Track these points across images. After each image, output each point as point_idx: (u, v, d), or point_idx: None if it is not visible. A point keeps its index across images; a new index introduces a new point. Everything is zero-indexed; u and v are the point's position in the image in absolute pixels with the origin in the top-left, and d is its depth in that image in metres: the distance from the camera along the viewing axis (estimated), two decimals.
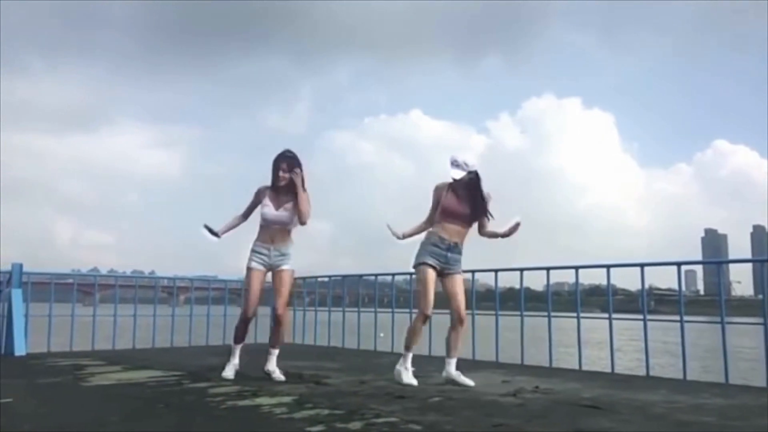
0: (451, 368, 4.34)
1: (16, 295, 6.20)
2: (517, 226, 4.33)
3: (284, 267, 4.46)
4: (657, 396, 3.88)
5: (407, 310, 6.97)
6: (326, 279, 8.31)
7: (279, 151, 4.49)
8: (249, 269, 4.47)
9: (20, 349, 6.01)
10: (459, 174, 4.32)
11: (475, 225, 4.44)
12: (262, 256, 4.47)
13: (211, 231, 4.53)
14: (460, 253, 4.38)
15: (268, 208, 4.45)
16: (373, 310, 7.39)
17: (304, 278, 8.75)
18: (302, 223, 4.45)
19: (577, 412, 3.28)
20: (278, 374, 4.42)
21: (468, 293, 6.69)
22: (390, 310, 7.28)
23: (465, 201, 4.37)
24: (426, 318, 4.39)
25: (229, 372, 4.41)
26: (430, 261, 4.31)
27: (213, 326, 7.85)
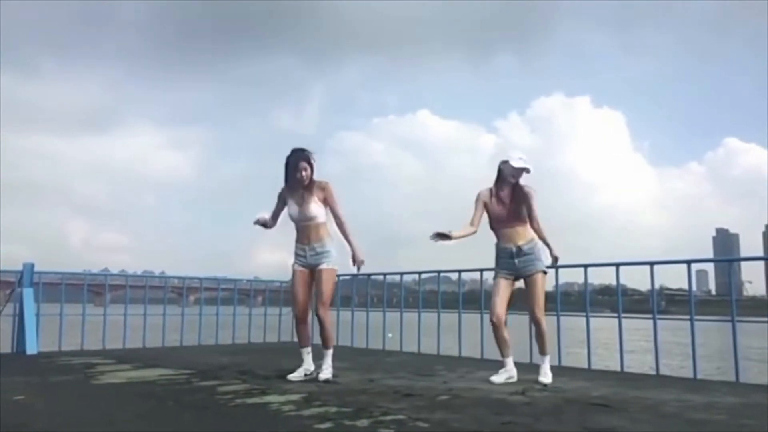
0: (542, 366, 4.37)
1: (28, 294, 6.26)
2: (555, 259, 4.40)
3: (322, 266, 4.33)
4: (668, 395, 3.85)
5: (416, 310, 6.98)
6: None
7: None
8: (293, 271, 4.43)
9: (32, 348, 6.06)
10: (525, 164, 4.33)
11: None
12: (301, 257, 4.39)
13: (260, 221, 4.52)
14: (528, 253, 4.31)
15: (292, 208, 4.37)
16: (381, 309, 7.40)
17: None
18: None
19: (586, 410, 3.26)
20: (324, 373, 4.27)
21: (477, 293, 6.72)
22: (399, 309, 7.28)
23: (508, 200, 4.35)
24: (492, 325, 4.37)
25: (294, 374, 4.32)
26: (501, 273, 4.37)
27: (222, 326, 7.89)
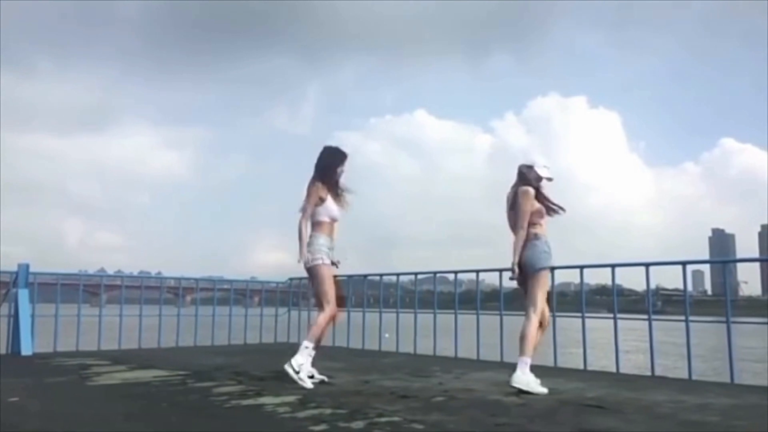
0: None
1: (23, 295, 6.25)
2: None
3: (337, 263, 4.45)
4: (662, 396, 3.86)
5: (411, 311, 6.98)
6: None
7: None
8: (324, 266, 4.29)
9: (27, 349, 6.04)
10: (549, 173, 4.29)
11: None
12: (329, 254, 4.35)
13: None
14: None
15: (332, 206, 4.37)
16: (378, 310, 7.40)
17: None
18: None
19: (581, 412, 3.27)
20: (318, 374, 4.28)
21: (473, 294, 6.71)
22: (395, 310, 7.28)
23: (541, 199, 4.34)
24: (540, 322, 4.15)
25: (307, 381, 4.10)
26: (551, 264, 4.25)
27: (218, 326, 7.88)
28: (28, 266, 6.44)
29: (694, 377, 4.95)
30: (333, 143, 4.52)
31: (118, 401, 3.57)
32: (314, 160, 4.44)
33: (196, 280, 8.88)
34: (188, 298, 12.11)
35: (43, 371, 4.80)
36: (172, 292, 11.64)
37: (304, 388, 3.89)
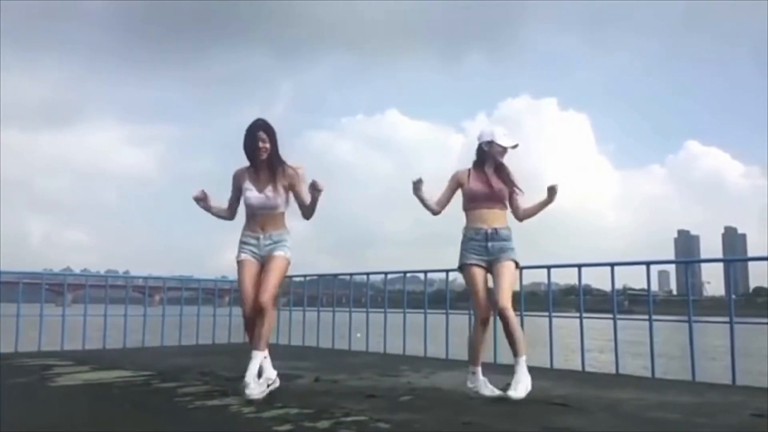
0: (516, 372, 3.55)
1: None
2: (553, 189, 3.82)
3: (276, 253, 3.72)
4: (626, 394, 3.92)
5: (381, 310, 6.98)
6: (302, 279, 8.27)
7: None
8: (238, 262, 3.75)
9: None
10: (512, 141, 3.93)
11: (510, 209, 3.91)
12: (251, 247, 3.75)
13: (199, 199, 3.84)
14: (504, 239, 3.73)
15: (250, 192, 3.73)
16: (348, 309, 7.38)
17: None
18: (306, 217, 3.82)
19: (546, 410, 3.30)
20: (260, 386, 3.50)
21: (443, 293, 6.73)
22: (365, 310, 7.27)
23: (491, 180, 3.84)
24: (483, 323, 3.73)
25: (252, 387, 3.44)
26: (473, 259, 3.74)
27: (186, 326, 7.77)
28: None
29: (658, 375, 5.05)
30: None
31: (78, 403, 3.50)
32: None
33: (164, 279, 8.75)
34: (156, 297, 11.94)
35: (3, 372, 4.67)
36: (139, 292, 11.44)
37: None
